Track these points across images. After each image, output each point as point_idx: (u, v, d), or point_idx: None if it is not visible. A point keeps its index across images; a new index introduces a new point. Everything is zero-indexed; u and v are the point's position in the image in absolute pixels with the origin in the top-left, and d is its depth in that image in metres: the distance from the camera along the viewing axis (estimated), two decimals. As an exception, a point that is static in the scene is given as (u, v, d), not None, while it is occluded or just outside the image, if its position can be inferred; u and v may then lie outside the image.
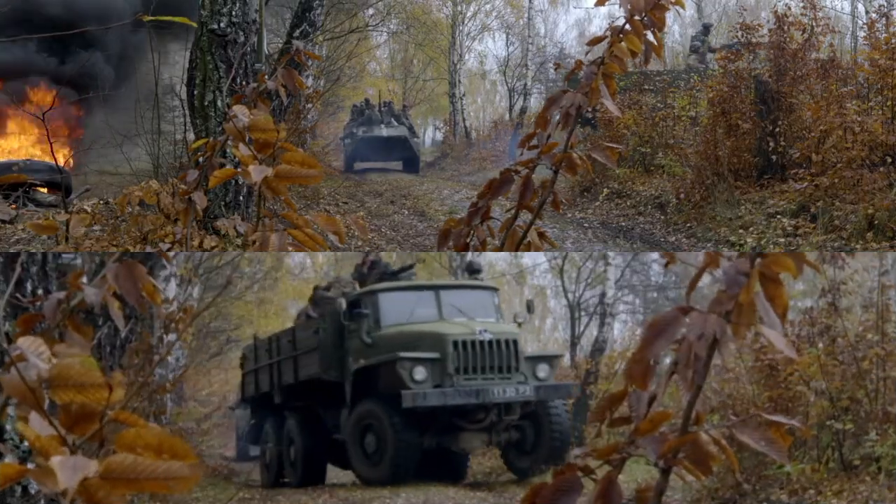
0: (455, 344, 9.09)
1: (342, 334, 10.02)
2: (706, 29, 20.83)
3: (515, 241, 2.37)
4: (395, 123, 25.67)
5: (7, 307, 1.58)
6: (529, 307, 11.15)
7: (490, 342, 9.19)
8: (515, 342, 9.35)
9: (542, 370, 9.41)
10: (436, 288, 10.30)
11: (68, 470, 1.06)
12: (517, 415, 9.29)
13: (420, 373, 8.95)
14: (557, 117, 2.35)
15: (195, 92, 9.54)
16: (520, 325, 10.26)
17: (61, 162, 15.48)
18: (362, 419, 9.30)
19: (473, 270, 11.20)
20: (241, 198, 9.59)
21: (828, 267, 7.57)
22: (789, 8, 12.39)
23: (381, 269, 11.11)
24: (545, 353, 10.02)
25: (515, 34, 35.10)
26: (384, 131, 25.09)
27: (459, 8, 32.90)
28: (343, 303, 9.92)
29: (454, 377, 9.01)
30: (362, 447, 9.28)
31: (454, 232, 2.38)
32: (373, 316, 9.81)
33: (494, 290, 10.87)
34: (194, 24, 9.14)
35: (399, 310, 9.87)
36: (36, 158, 15.67)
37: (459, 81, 32.79)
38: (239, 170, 2.26)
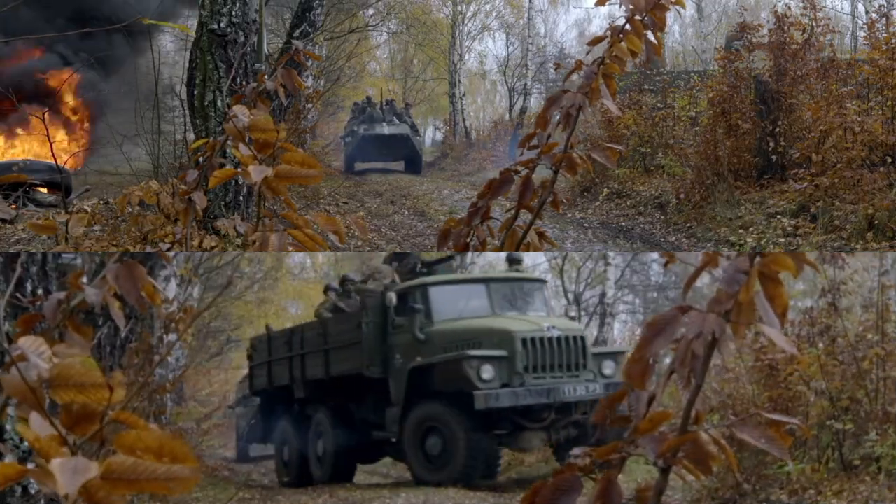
0: (524, 341, 8.72)
1: (386, 329, 9.68)
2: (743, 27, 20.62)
3: (515, 241, 2.37)
4: (397, 122, 25.15)
5: (7, 307, 1.59)
6: (578, 299, 10.94)
7: (559, 339, 8.83)
8: (583, 338, 9.02)
9: (608, 367, 9.06)
10: (486, 281, 9.90)
11: (69, 474, 1.06)
12: (585, 413, 8.98)
13: (488, 371, 8.58)
14: (557, 117, 2.35)
15: (195, 92, 9.54)
16: (571, 318, 9.99)
17: (72, 153, 15.51)
18: (424, 421, 8.90)
19: (514, 261, 10.61)
20: (241, 198, 9.59)
21: (828, 267, 7.57)
22: (789, 8, 12.39)
23: (412, 262, 10.69)
24: (611, 350, 9.76)
25: (515, 34, 35.11)
26: (386, 129, 24.50)
27: (459, 8, 32.90)
28: (394, 297, 9.53)
29: (524, 376, 8.65)
30: (423, 450, 8.89)
31: (454, 232, 2.38)
32: (423, 310, 9.45)
33: (543, 282, 10.58)
34: (191, 31, 9.16)
35: (451, 304, 9.51)
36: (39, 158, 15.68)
37: (459, 81, 32.79)
38: (239, 170, 2.26)
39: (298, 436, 10.82)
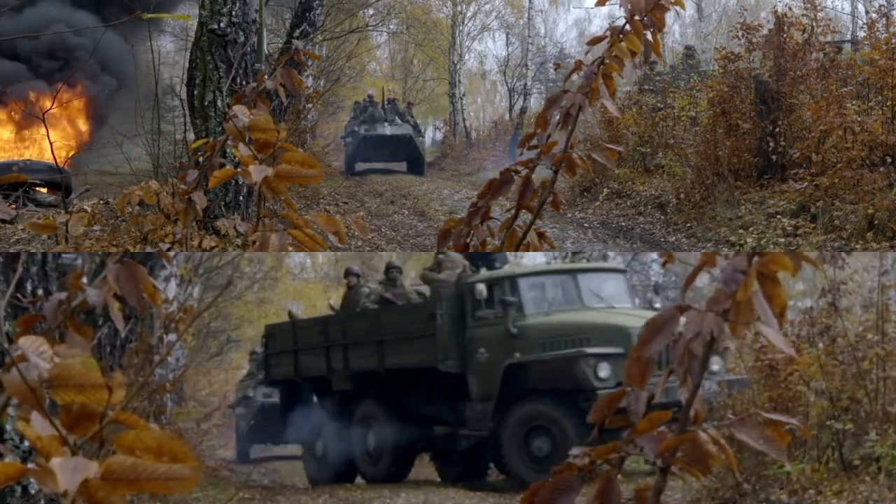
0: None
1: (464, 321, 9.37)
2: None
3: (515, 242, 2.37)
4: (399, 122, 24.61)
5: (7, 307, 1.59)
6: (657, 290, 10.77)
7: None
8: None
9: (716, 363, 8.68)
10: (573, 272, 9.56)
11: (69, 471, 1.06)
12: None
13: (605, 370, 8.29)
14: (557, 117, 2.35)
15: (195, 92, 9.54)
16: (656, 310, 9.69)
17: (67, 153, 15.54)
18: (529, 419, 8.57)
19: (578, 251, 10.23)
20: (241, 198, 9.59)
21: (828, 267, 7.57)
22: (790, 8, 12.39)
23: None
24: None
25: (515, 34, 35.09)
26: (387, 130, 23.93)
27: (459, 8, 32.88)
28: (484, 289, 9.17)
29: None
30: (528, 450, 8.60)
31: (454, 232, 2.38)
32: (516, 303, 9.09)
33: (624, 272, 10.30)
34: (189, 18, 9.14)
35: (541, 296, 9.20)
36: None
37: (459, 81, 32.77)
38: (239, 170, 2.26)
39: (340, 430, 10.42)
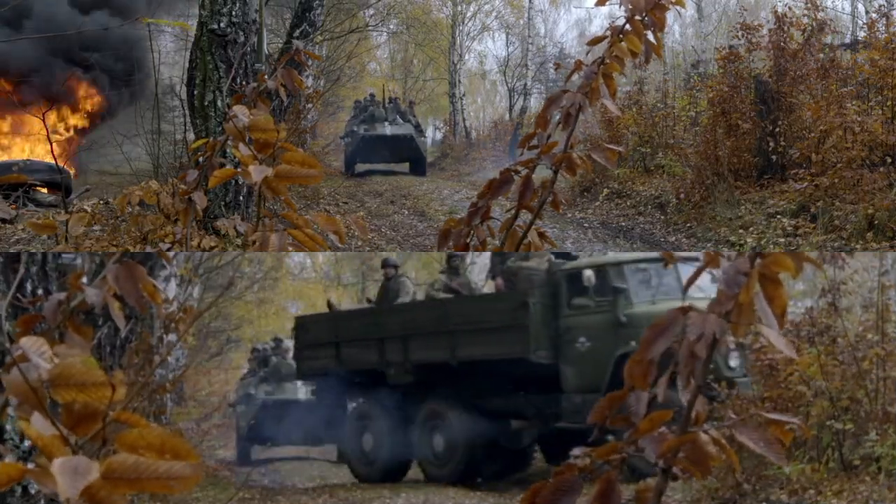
0: None
1: (557, 310, 9.12)
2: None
3: (515, 242, 2.37)
4: (401, 121, 24.09)
5: (8, 307, 1.59)
6: None
7: None
8: None
9: (734, 359, 8.51)
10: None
11: (69, 477, 1.05)
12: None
13: (735, 359, 8.12)
14: (557, 117, 2.35)
15: (195, 92, 9.54)
16: None
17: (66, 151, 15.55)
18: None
19: None
20: (241, 198, 9.59)
21: (828, 267, 7.57)
22: (790, 9, 12.40)
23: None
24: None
25: (515, 34, 35.11)
26: (388, 130, 23.36)
27: (459, 8, 32.89)
28: (593, 276, 8.88)
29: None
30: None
31: (454, 232, 2.38)
32: (626, 291, 8.84)
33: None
34: (190, 27, 9.16)
35: (646, 285, 9.00)
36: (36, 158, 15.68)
37: (459, 81, 32.77)
38: (239, 170, 2.26)
39: (395, 427, 10.11)
